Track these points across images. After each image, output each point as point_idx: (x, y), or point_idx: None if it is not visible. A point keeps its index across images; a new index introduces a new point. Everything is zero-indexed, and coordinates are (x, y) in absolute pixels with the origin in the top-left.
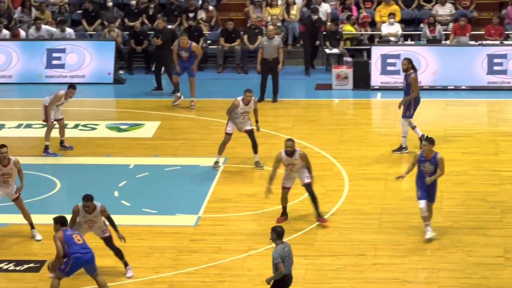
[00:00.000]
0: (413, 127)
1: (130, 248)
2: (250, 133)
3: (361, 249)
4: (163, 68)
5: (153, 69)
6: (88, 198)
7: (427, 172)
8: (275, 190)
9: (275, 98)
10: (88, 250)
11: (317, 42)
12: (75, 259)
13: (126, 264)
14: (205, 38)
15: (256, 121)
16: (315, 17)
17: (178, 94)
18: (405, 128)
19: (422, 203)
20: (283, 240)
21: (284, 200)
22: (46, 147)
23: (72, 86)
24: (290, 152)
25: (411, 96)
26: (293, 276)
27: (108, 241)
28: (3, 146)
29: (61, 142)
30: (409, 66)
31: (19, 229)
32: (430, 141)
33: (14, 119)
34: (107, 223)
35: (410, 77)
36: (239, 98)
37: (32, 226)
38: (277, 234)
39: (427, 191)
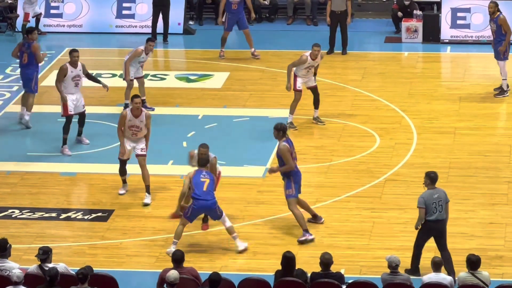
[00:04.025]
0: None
1: None
2: (315, 89)
3: None
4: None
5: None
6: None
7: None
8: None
9: (345, 51)
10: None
11: None
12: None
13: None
14: None
15: (314, 74)
16: None
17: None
18: (505, 70)
19: None
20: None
21: None
22: (126, 105)
23: (150, 39)
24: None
25: (508, 36)
26: (361, 229)
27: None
28: (136, 96)
29: (142, 101)
30: (496, 9)
31: (87, 178)
32: None
33: None
34: None
35: (499, 18)
36: (307, 53)
37: (147, 190)
38: (431, 179)
39: None
